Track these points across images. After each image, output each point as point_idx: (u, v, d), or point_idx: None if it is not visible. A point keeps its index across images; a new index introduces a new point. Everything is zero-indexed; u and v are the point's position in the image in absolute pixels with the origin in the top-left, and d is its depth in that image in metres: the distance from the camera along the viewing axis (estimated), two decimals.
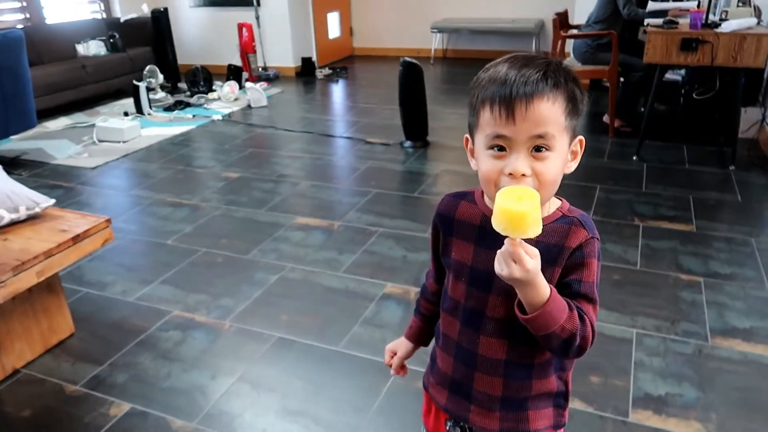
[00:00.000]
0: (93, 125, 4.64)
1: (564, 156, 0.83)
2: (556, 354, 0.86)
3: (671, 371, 1.86)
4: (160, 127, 4.79)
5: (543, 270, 0.78)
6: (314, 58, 6.85)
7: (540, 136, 0.78)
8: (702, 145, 3.89)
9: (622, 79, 4.27)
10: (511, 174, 0.79)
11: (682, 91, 4.68)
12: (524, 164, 0.78)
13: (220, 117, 5.04)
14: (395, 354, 1.14)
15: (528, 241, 0.76)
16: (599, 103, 4.95)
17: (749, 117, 3.88)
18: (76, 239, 1.86)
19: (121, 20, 6.25)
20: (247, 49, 6.24)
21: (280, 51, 6.65)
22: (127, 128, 4.43)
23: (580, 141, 0.87)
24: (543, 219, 0.83)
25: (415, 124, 4.10)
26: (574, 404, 1.73)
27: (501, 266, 0.76)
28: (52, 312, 2.04)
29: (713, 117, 4.34)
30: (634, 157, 3.68)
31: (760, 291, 2.27)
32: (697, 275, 2.38)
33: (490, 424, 0.93)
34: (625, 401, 1.74)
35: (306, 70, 6.62)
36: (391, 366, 1.15)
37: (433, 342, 1.06)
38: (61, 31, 5.72)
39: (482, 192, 0.92)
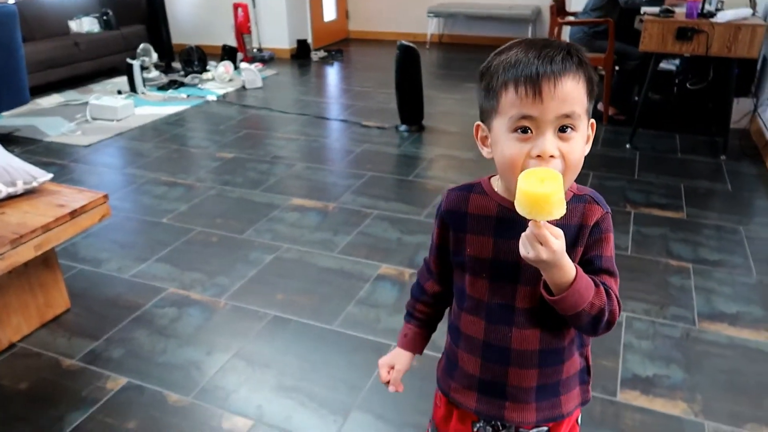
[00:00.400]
0: (86, 103, 4.60)
1: (585, 137, 0.82)
2: (586, 332, 0.86)
3: (659, 353, 1.90)
4: (154, 106, 4.76)
5: (567, 251, 0.77)
6: (309, 41, 6.81)
7: (567, 116, 0.76)
8: (694, 135, 3.93)
9: (617, 68, 4.29)
10: (539, 156, 0.76)
11: (676, 81, 4.70)
12: (552, 145, 0.76)
13: (214, 97, 5.01)
14: (392, 368, 1.06)
15: (551, 223, 0.76)
16: None
17: (741, 107, 3.92)
18: (74, 214, 1.87)
19: None
20: (243, 30, 6.19)
21: (276, 32, 6.60)
22: (121, 106, 4.40)
23: (592, 124, 0.86)
24: None
25: (411, 108, 4.10)
26: None
27: (527, 249, 0.75)
28: (48, 287, 2.05)
29: (706, 107, 4.37)
30: (628, 145, 3.71)
31: (747, 277, 2.32)
32: (686, 261, 2.42)
33: (527, 416, 0.92)
34: (614, 381, 1.78)
35: (301, 53, 6.58)
36: (388, 383, 1.06)
37: (443, 344, 1.02)
38: (53, 7, 5.65)
39: (490, 181, 0.91)
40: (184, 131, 4.24)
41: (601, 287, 0.82)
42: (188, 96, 5.04)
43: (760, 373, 1.82)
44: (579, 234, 0.85)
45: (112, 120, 4.36)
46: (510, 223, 0.78)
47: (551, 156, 0.77)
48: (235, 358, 1.91)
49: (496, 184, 0.89)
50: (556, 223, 0.76)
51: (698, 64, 4.22)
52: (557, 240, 0.74)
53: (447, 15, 7.12)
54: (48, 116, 4.52)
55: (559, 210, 0.71)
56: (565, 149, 0.77)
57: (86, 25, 5.72)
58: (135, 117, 4.48)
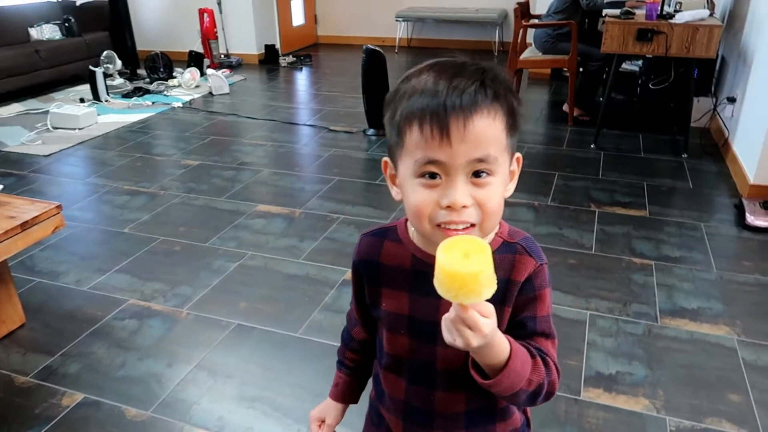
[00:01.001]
0: (47, 112, 4.49)
1: (506, 179, 0.72)
2: (523, 406, 0.79)
3: (622, 351, 1.92)
4: (118, 114, 4.67)
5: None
6: (278, 46, 6.77)
7: (481, 160, 0.66)
8: (657, 134, 4.00)
9: (580, 69, 4.35)
10: (449, 207, 0.67)
11: (639, 82, 4.79)
12: (464, 194, 0.67)
13: (180, 104, 4.94)
14: (323, 422, 1.00)
15: None
16: (559, 93, 5.03)
17: (702, 107, 4.00)
18: (25, 226, 1.81)
19: (77, 3, 6.07)
20: (209, 36, 6.12)
21: (243, 38, 6.54)
22: (83, 115, 4.31)
23: (518, 159, 0.76)
24: None
25: (378, 112, 4.07)
26: None
27: (452, 335, 0.64)
28: (1, 302, 1.98)
29: (668, 107, 4.45)
30: (592, 146, 3.76)
31: (707, 273, 2.35)
32: (648, 259, 2.45)
33: None
34: (578, 380, 1.79)
35: (269, 58, 6.54)
36: None
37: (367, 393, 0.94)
38: (13, 14, 5.52)
39: (406, 224, 0.81)
40: (148, 139, 4.17)
41: (538, 357, 0.73)
42: (153, 103, 4.96)
43: (720, 367, 1.85)
44: (507, 291, 0.74)
45: (74, 129, 4.27)
46: (426, 277, 0.66)
47: (464, 206, 0.67)
48: (196, 369, 1.87)
49: (413, 229, 0.79)
50: None
51: (660, 65, 4.30)
52: (488, 321, 0.63)
53: (415, 19, 7.15)
54: (7, 126, 4.40)
55: (489, 289, 0.60)
56: (481, 197, 0.68)
57: (47, 32, 5.60)
58: (98, 125, 4.38)
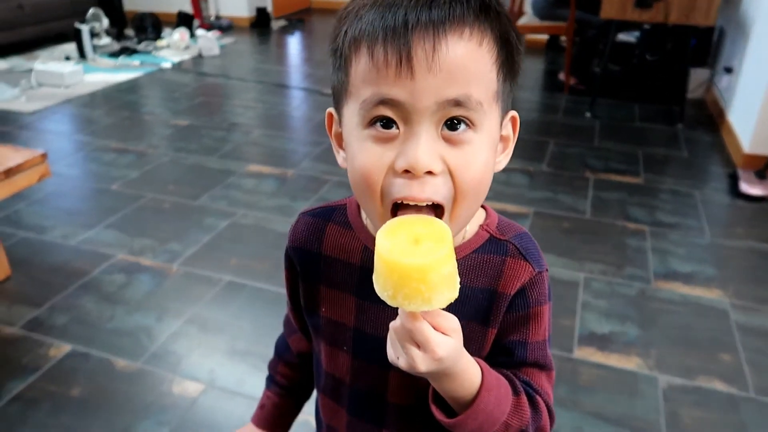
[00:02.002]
0: (31, 69, 4.36)
1: (494, 141, 0.52)
2: None
3: (615, 312, 1.92)
4: (105, 73, 4.56)
5: (467, 337, 0.51)
6: (269, 9, 6.61)
7: (457, 102, 0.47)
8: (653, 104, 3.97)
9: (577, 39, 4.29)
10: (407, 171, 0.47)
11: (636, 52, 4.74)
12: (430, 151, 0.47)
13: (169, 65, 4.82)
14: None
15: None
16: (555, 62, 4.98)
17: (697, 77, 3.97)
18: (9, 173, 1.75)
19: None
20: None
21: (234, 0, 6.38)
22: (69, 72, 4.19)
23: (513, 118, 0.57)
24: (461, 246, 0.57)
25: None
26: None
27: (396, 352, 0.49)
28: None
29: (664, 77, 4.42)
30: (587, 114, 3.72)
31: (700, 239, 2.35)
32: (643, 224, 2.45)
33: None
34: (571, 339, 1.79)
35: (261, 21, 6.39)
36: None
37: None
38: None
39: (358, 204, 0.61)
40: (136, 98, 4.07)
41: (524, 395, 0.56)
42: (141, 63, 4.84)
43: (711, 328, 1.85)
44: (491, 306, 0.57)
45: (60, 86, 4.15)
46: None
47: (429, 172, 0.47)
48: (187, 323, 1.85)
49: None
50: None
51: (657, 36, 4.25)
52: (447, 340, 0.47)
53: None
54: None
55: (444, 294, 0.45)
56: (457, 161, 0.48)
57: None
58: (84, 84, 4.27)
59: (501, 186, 2.69)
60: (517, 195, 2.64)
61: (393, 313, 0.49)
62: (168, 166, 2.96)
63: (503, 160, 0.57)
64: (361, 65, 0.48)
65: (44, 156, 1.86)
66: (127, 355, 1.71)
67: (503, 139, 0.56)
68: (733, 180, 2.80)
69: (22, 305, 1.91)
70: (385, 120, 0.48)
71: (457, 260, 0.51)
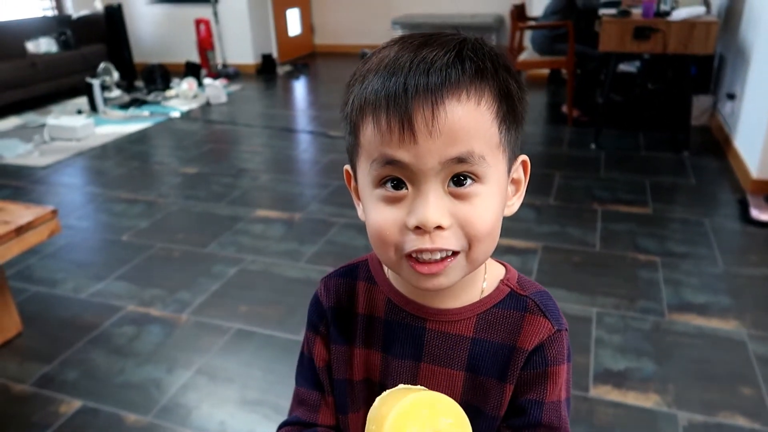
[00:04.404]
0: (45, 124, 4.48)
1: (502, 189, 0.55)
2: None
3: (630, 347, 1.88)
4: (116, 125, 4.66)
5: (485, 393, 0.55)
6: (275, 55, 6.77)
7: (461, 160, 0.49)
8: (657, 133, 3.98)
9: (578, 71, 4.33)
10: (418, 228, 0.50)
11: (638, 82, 4.77)
12: (438, 208, 0.50)
13: (178, 114, 4.92)
14: None
15: (461, 340, 0.55)
16: (557, 95, 5.02)
17: (701, 104, 3.98)
18: (20, 231, 1.78)
19: (73, 17, 6.07)
20: (206, 46, 6.12)
21: (240, 48, 6.55)
22: (81, 126, 4.29)
23: (524, 162, 0.59)
24: (482, 300, 0.60)
25: None
26: None
27: None
28: None
29: (667, 106, 4.44)
30: (592, 145, 3.73)
31: (713, 268, 2.32)
32: (653, 255, 2.42)
33: None
34: (586, 377, 1.75)
35: (266, 68, 6.54)
36: None
37: None
38: (9, 28, 5.52)
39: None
40: (146, 148, 4.15)
41: None
42: (151, 113, 4.94)
43: (730, 361, 1.81)
44: (509, 362, 0.58)
45: (72, 140, 4.25)
46: (402, 330, 0.55)
47: (439, 227, 0.50)
48: (197, 374, 1.83)
49: None
50: (468, 340, 0.55)
51: (658, 65, 4.29)
52: None
53: (411, 26, 7.14)
54: (4, 138, 4.37)
55: None
56: (465, 214, 0.51)
57: (44, 45, 5.59)
58: (96, 136, 4.36)
59: (508, 222, 2.66)
60: (525, 230, 2.63)
61: (414, 367, 0.54)
62: (177, 215, 2.99)
63: (516, 202, 0.60)
64: (368, 131, 0.51)
65: (54, 212, 1.89)
66: (137, 410, 1.69)
67: (514, 182, 0.59)
68: (743, 206, 2.77)
69: (33, 361, 1.91)
70: (396, 181, 0.51)
71: (477, 314, 0.54)
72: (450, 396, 0.57)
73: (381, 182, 0.52)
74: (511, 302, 0.60)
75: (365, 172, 0.53)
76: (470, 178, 0.51)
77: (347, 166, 0.60)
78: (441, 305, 0.60)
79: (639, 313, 2.04)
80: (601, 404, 1.65)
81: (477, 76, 0.50)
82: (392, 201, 0.52)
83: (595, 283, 2.23)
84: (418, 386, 0.52)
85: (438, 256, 0.51)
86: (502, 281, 0.61)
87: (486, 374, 0.57)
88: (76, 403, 1.72)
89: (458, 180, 0.51)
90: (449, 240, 0.51)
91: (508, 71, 0.54)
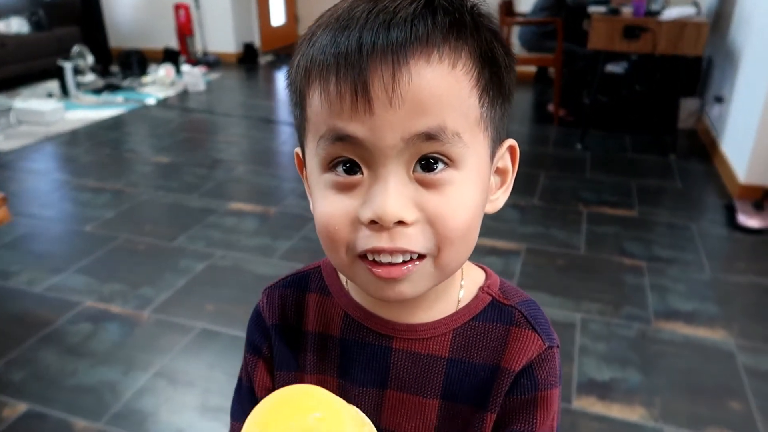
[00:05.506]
0: (11, 108, 4.28)
1: (483, 177, 0.44)
2: None
3: (615, 355, 1.80)
4: (88, 110, 4.48)
5: (465, 423, 0.47)
6: (257, 45, 6.60)
7: (429, 136, 0.39)
8: (644, 135, 3.92)
9: (565, 70, 4.26)
10: (374, 222, 0.40)
11: (625, 83, 4.72)
12: (400, 198, 0.40)
13: (153, 101, 4.75)
14: None
15: (434, 361, 0.46)
16: (543, 94, 4.95)
17: (688, 107, 3.93)
18: None
19: None
20: (185, 31, 5.94)
21: (221, 36, 6.36)
22: (50, 110, 4.11)
23: (511, 148, 0.49)
24: (457, 313, 0.50)
25: None
26: None
27: None
28: None
29: (654, 107, 4.39)
30: (578, 145, 3.66)
31: (699, 274, 2.25)
32: (639, 259, 2.34)
33: None
34: (569, 388, 1.66)
35: (248, 57, 6.37)
36: None
37: None
38: None
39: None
40: (118, 135, 3.98)
41: None
42: (125, 99, 4.77)
43: (717, 373, 1.73)
44: (491, 386, 0.48)
45: (40, 124, 4.06)
46: (363, 351, 0.47)
47: (400, 222, 0.40)
48: (155, 377, 1.71)
49: None
50: (443, 360, 0.46)
51: (645, 67, 4.23)
52: None
53: None
54: None
55: None
56: (434, 206, 0.40)
57: (15, 25, 5.37)
58: (65, 121, 4.18)
59: (491, 221, 2.59)
60: (508, 231, 2.54)
61: (378, 395, 0.45)
62: (146, 205, 2.85)
63: (501, 197, 0.49)
64: (314, 100, 0.41)
65: (4, 200, 1.75)
66: (88, 415, 1.56)
67: (500, 172, 0.49)
68: (730, 211, 2.71)
69: None
70: (349, 164, 0.41)
71: (453, 330, 0.44)
72: (422, 429, 0.48)
73: (330, 165, 0.42)
74: (493, 314, 0.49)
75: (312, 153, 0.43)
76: (442, 161, 0.40)
77: (297, 149, 0.49)
78: (409, 319, 0.50)
79: (624, 320, 1.96)
80: (585, 417, 1.56)
81: (452, 32, 0.40)
82: (343, 188, 0.41)
83: (580, 288, 2.14)
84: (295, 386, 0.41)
85: (399, 258, 0.41)
86: (481, 289, 0.51)
87: (465, 401, 0.48)
88: (21, 407, 1.59)
89: (427, 164, 0.40)
90: (413, 239, 0.40)
91: (494, 33, 0.43)
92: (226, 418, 1.53)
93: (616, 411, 1.58)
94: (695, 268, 2.29)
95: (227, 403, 1.62)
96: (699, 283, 2.19)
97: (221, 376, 1.71)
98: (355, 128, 0.39)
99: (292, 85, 0.45)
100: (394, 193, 0.39)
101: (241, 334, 1.87)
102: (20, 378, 1.69)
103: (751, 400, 1.62)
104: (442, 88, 0.39)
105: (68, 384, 1.68)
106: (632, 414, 1.58)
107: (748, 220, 2.58)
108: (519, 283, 2.08)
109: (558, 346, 0.50)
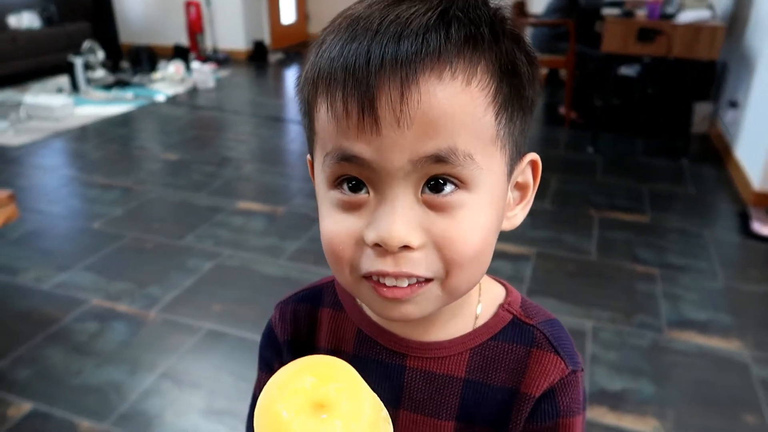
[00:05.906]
0: (21, 102, 4.28)
1: (497, 198, 0.41)
2: None
3: (627, 365, 1.77)
4: (97, 106, 4.48)
5: None
6: (267, 42, 6.59)
7: (439, 158, 0.37)
8: (656, 138, 3.88)
9: (577, 72, 4.22)
10: (377, 245, 0.38)
11: (637, 86, 4.67)
12: (407, 222, 0.38)
13: (163, 98, 4.75)
14: None
15: (450, 381, 0.45)
16: (554, 96, 4.91)
17: (701, 111, 3.88)
18: None
19: None
20: (195, 29, 5.94)
21: (231, 33, 6.36)
22: (60, 105, 4.11)
23: (533, 163, 0.46)
24: (475, 332, 0.48)
25: None
26: None
27: None
28: None
29: (667, 111, 4.34)
30: (590, 148, 3.62)
31: (713, 283, 2.21)
32: (652, 266, 2.31)
33: None
34: None
35: (258, 55, 6.36)
36: None
37: None
38: None
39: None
40: (127, 132, 3.98)
41: None
42: (135, 96, 4.76)
43: (731, 384, 1.70)
44: (510, 412, 0.46)
45: (50, 120, 4.06)
46: (375, 368, 0.45)
47: (405, 247, 0.38)
48: (161, 378, 1.69)
49: None
50: (459, 381, 0.44)
51: (658, 70, 4.19)
52: None
53: None
54: None
55: None
56: (442, 231, 0.38)
57: (26, 20, 5.38)
58: (75, 117, 4.18)
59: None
60: (518, 234, 2.51)
61: (393, 413, 0.42)
62: (154, 203, 2.84)
63: (519, 213, 0.47)
64: (321, 114, 0.39)
65: (12, 197, 1.74)
66: (92, 416, 1.55)
67: (519, 186, 0.47)
68: (744, 219, 2.67)
69: None
70: (354, 181, 0.39)
71: (471, 349, 0.42)
72: None
73: (336, 182, 0.40)
74: (513, 333, 0.47)
75: (319, 168, 0.41)
76: (452, 182, 0.38)
77: (309, 156, 0.47)
78: (424, 337, 0.48)
79: (636, 329, 1.93)
80: (597, 428, 1.54)
81: (467, 46, 0.37)
82: (349, 207, 0.40)
83: (591, 294, 2.11)
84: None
85: (405, 282, 0.39)
86: (501, 306, 0.49)
87: (482, 424, 0.46)
88: (26, 406, 1.58)
89: (436, 185, 0.38)
90: (418, 264, 0.39)
91: (516, 41, 0.40)
92: (232, 421, 1.52)
93: (628, 422, 1.56)
94: (708, 276, 2.25)
95: (233, 406, 1.61)
96: (712, 292, 2.16)
97: (227, 378, 1.69)
98: (362, 149, 0.37)
99: (300, 94, 0.43)
100: (401, 217, 0.38)
101: (248, 335, 1.86)
102: (26, 376, 1.68)
103: (766, 414, 1.59)
104: (454, 107, 0.37)
105: (74, 383, 1.67)
106: (644, 426, 1.55)
107: (763, 228, 2.54)
108: (528, 289, 2.05)
109: (582, 370, 0.48)
